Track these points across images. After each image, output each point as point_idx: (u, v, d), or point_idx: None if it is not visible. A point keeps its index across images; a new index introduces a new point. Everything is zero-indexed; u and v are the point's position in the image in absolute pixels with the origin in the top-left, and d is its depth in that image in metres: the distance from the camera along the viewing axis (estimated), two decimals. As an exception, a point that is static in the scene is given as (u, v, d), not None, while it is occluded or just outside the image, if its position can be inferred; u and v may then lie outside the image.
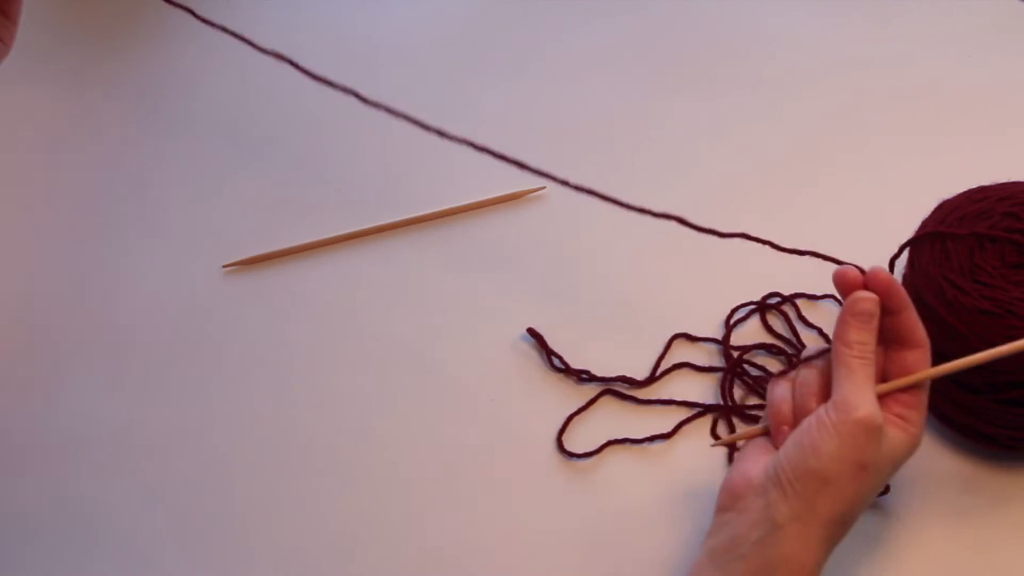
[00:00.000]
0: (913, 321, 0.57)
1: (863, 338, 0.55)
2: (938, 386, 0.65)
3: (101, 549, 0.65)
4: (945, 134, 0.84)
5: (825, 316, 0.74)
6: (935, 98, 0.87)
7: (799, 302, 0.74)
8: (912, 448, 0.56)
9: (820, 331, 0.73)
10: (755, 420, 0.69)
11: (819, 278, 0.75)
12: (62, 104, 0.89)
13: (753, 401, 0.70)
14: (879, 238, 0.71)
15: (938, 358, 0.65)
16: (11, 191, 0.84)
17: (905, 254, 0.69)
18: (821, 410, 0.55)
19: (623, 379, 0.71)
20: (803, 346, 0.72)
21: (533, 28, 0.93)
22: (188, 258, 0.78)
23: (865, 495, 0.54)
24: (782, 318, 0.74)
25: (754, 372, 0.71)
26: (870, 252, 0.73)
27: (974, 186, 0.69)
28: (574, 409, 0.70)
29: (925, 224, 0.68)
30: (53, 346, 0.74)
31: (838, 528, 0.54)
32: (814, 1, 0.95)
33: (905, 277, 0.68)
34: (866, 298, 0.56)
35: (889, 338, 0.57)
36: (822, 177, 0.82)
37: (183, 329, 0.75)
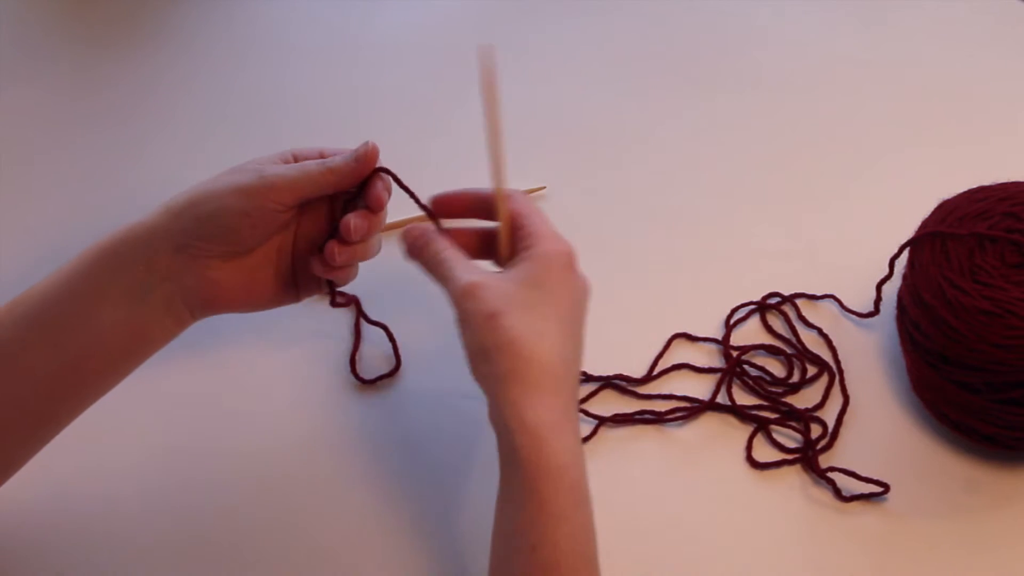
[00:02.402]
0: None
1: (437, 247, 0.63)
2: (938, 386, 0.65)
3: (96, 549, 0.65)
4: (945, 134, 0.84)
5: (825, 316, 0.74)
6: (935, 98, 0.87)
7: (799, 302, 0.74)
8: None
9: (820, 331, 0.73)
10: (755, 420, 0.69)
11: (819, 278, 0.75)
12: (62, 104, 0.89)
13: (753, 401, 0.70)
14: (879, 238, 0.71)
15: (938, 358, 0.65)
16: (11, 190, 0.84)
17: (905, 254, 0.69)
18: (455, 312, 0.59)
19: (620, 377, 0.71)
20: (803, 346, 0.72)
21: (532, 27, 0.93)
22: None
23: (537, 311, 0.58)
24: (782, 318, 0.74)
25: (754, 372, 0.71)
26: (870, 252, 0.73)
27: (974, 186, 0.69)
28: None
29: (925, 224, 0.68)
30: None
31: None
32: (814, 1, 0.95)
33: (905, 277, 0.68)
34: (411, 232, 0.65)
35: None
36: (822, 177, 0.82)
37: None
